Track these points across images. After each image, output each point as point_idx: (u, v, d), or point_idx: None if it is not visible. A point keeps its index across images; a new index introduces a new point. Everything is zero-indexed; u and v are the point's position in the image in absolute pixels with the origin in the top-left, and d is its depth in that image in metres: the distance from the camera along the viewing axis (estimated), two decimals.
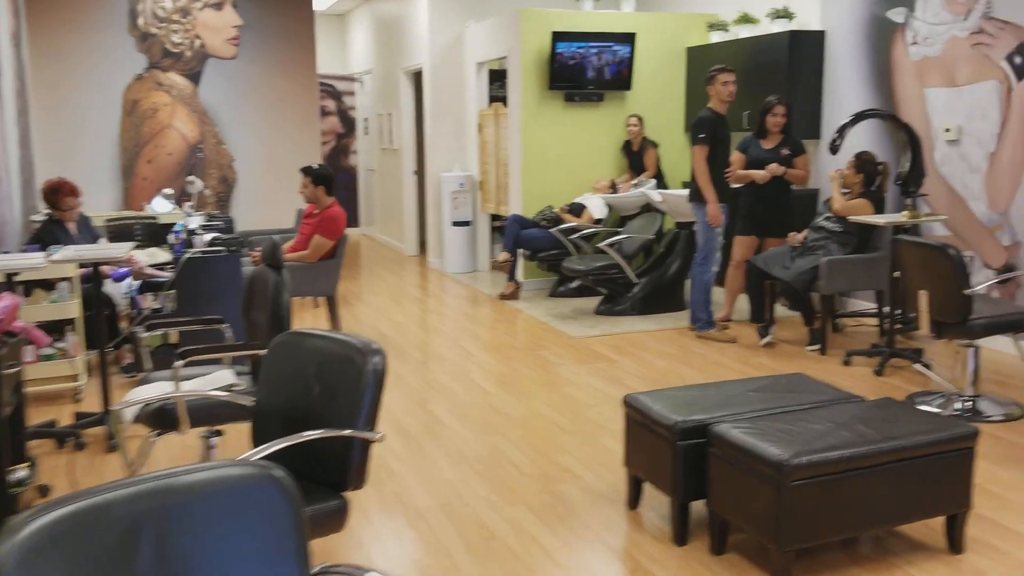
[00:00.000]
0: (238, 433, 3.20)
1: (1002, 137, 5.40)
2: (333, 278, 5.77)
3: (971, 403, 4.40)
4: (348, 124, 12.27)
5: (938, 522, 3.02)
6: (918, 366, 5.05)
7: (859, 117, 5.43)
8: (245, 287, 3.57)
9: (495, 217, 8.77)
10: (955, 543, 2.98)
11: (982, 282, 5.07)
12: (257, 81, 8.91)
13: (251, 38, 8.85)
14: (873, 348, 5.34)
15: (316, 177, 5.66)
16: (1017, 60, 5.25)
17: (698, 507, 3.11)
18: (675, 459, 2.99)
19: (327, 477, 2.30)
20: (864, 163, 5.55)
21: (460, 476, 3.71)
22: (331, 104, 12.11)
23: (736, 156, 5.91)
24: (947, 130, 5.74)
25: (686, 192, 5.98)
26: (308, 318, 6.75)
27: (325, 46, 11.81)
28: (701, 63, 7.51)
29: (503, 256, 7.32)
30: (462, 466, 3.82)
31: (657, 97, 7.89)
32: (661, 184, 7.49)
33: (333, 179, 5.77)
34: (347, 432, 2.20)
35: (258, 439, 2.48)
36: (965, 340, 4.35)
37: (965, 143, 5.64)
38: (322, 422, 2.26)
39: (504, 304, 7.27)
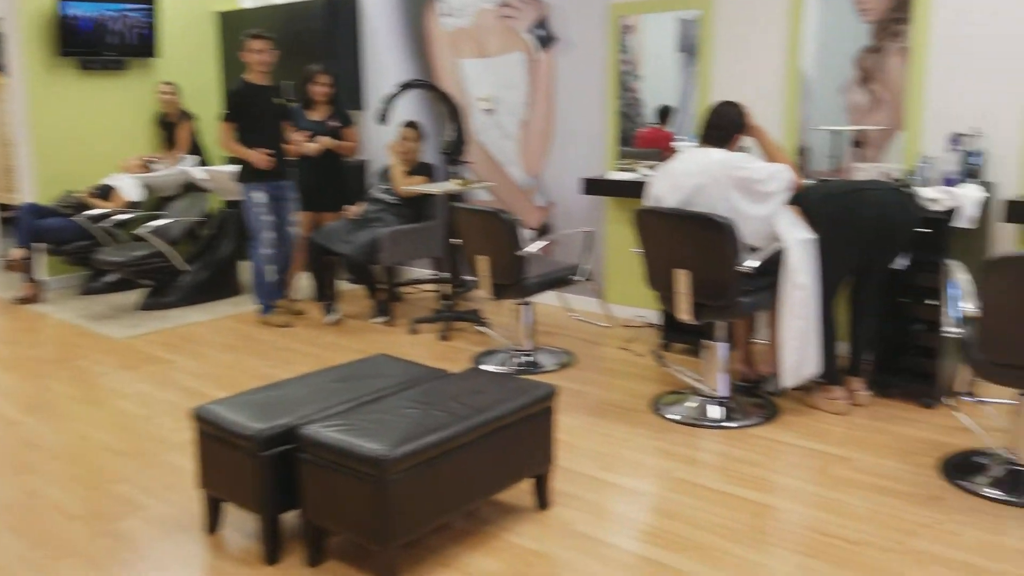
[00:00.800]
0: None
1: (531, 105, 5.77)
2: None
3: (531, 357, 4.66)
4: None
5: (527, 482, 3.08)
6: (480, 328, 5.24)
7: (405, 87, 5.44)
8: None
9: (3, 207, 7.46)
10: (543, 500, 3.06)
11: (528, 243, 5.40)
12: None
13: None
14: (436, 314, 5.44)
15: None
16: (539, 32, 5.64)
17: (289, 519, 2.80)
18: (260, 472, 2.65)
19: None
20: (424, 132, 5.62)
21: None
22: None
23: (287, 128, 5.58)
24: (482, 99, 6.00)
25: (236, 168, 5.52)
26: None
27: None
28: (235, 29, 6.98)
29: (17, 253, 6.21)
30: None
31: (189, 65, 7.22)
32: (204, 160, 6.89)
33: None
34: None
35: None
36: (521, 298, 4.57)
37: (500, 112, 5.95)
38: None
39: (23, 309, 6.16)
